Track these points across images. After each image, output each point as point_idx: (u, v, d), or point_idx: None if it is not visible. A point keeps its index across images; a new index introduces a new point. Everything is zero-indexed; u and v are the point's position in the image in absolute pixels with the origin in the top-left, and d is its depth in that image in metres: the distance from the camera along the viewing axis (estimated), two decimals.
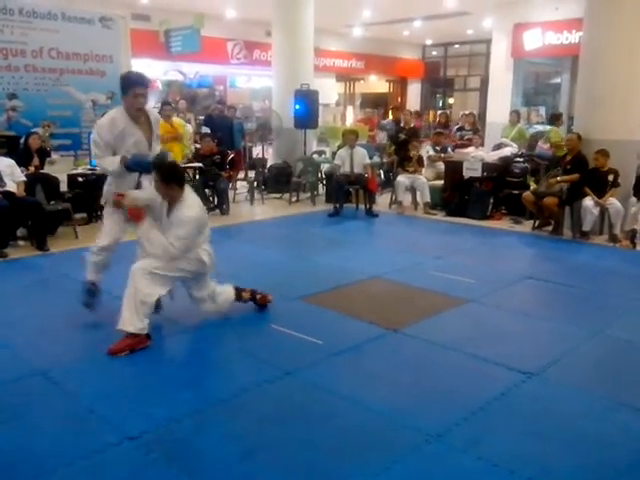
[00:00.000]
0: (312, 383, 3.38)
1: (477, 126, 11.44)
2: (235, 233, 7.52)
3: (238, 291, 4.44)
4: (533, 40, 13.63)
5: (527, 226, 7.73)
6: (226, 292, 4.36)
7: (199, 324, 4.28)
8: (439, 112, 13.42)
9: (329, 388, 3.32)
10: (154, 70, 15.33)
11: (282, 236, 7.37)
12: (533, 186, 8.12)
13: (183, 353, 3.86)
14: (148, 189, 4.13)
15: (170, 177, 3.88)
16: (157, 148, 4.34)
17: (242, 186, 10.08)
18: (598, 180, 6.99)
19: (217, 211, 8.60)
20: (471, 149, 9.34)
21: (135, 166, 4.09)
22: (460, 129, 11.27)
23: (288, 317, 4.46)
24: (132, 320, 3.75)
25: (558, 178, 7.25)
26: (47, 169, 6.98)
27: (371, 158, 9.32)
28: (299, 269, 5.86)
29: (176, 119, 9.26)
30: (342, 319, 4.44)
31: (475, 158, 8.60)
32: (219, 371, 3.55)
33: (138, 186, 4.24)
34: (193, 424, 2.94)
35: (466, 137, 10.58)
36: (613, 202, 6.89)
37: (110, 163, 4.08)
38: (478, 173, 8.36)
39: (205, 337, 4.08)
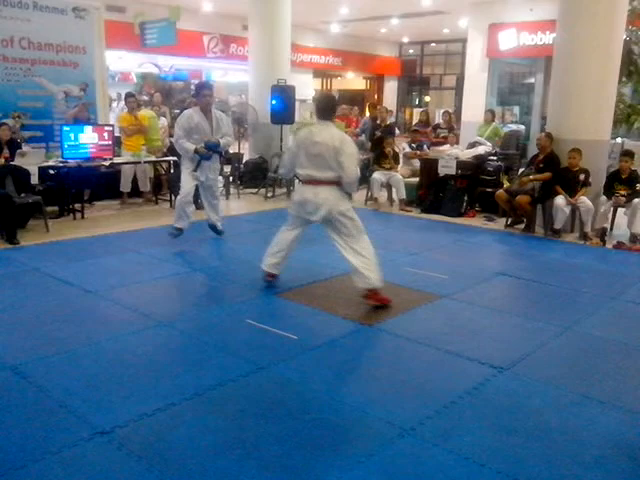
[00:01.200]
0: (287, 378, 3.39)
1: (452, 124, 11.55)
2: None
3: None
4: (508, 40, 13.78)
5: (500, 224, 7.83)
6: None
7: (173, 318, 4.25)
8: (420, 110, 13.49)
9: (303, 383, 3.33)
10: (128, 62, 15.15)
11: (257, 231, 7.34)
12: (506, 184, 8.23)
13: (157, 347, 3.82)
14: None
15: None
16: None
17: (218, 181, 10.00)
18: (569, 179, 7.11)
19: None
20: (446, 147, 9.42)
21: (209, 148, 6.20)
22: (436, 127, 11.37)
23: (263, 312, 4.46)
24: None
25: (530, 177, 7.36)
26: (17, 161, 6.83)
27: None
28: None
29: (143, 111, 9.15)
30: (317, 314, 4.45)
31: (450, 156, 8.69)
32: (193, 365, 3.52)
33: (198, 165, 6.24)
34: (166, 419, 2.92)
35: (441, 135, 10.68)
36: (584, 201, 7.02)
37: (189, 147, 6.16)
38: (453, 171, 8.44)
39: (180, 331, 4.05)
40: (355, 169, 4.52)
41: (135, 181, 8.61)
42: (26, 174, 6.72)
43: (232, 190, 9.58)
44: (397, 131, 12.02)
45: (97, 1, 9.65)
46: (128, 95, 9.11)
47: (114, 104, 11.55)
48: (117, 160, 8.09)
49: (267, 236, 6.86)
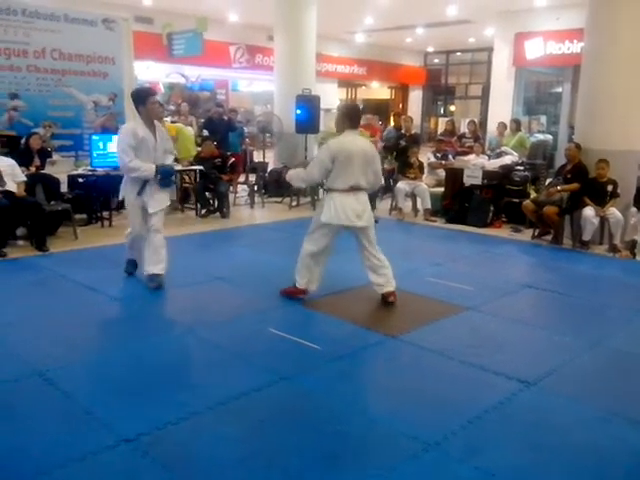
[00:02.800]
0: (309, 389, 3.38)
1: (478, 134, 11.46)
2: (235, 237, 7.53)
3: None
4: (535, 49, 13.69)
5: (527, 235, 7.73)
6: None
7: (197, 326, 4.27)
8: (446, 120, 13.41)
9: (326, 394, 3.31)
10: (156, 72, 15.39)
11: (281, 240, 7.36)
12: (533, 194, 8.13)
13: (181, 355, 3.85)
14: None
15: None
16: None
17: (243, 190, 10.09)
18: (597, 190, 7.00)
19: (217, 214, 8.60)
20: (472, 157, 9.36)
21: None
22: (461, 136, 11.30)
23: (286, 321, 4.46)
24: None
25: (558, 187, 7.26)
26: (48, 169, 6.98)
27: None
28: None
29: (170, 125, 9.26)
30: (340, 324, 4.43)
31: (476, 166, 8.62)
32: (217, 374, 3.54)
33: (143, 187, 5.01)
34: (190, 427, 2.93)
35: (467, 145, 10.60)
36: (613, 212, 6.89)
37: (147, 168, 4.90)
38: (479, 181, 8.37)
39: (204, 339, 4.07)
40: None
41: None
42: (56, 182, 6.86)
43: (256, 199, 9.63)
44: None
45: (126, 12, 9.85)
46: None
47: None
48: None
49: (290, 245, 6.88)
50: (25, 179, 6.45)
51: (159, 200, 5.09)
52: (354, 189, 4.62)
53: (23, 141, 7.27)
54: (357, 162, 4.55)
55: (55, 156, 7.58)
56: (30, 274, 5.51)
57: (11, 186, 6.23)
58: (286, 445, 2.80)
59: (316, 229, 4.86)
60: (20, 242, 6.58)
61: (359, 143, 4.64)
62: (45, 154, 7.22)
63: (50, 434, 2.83)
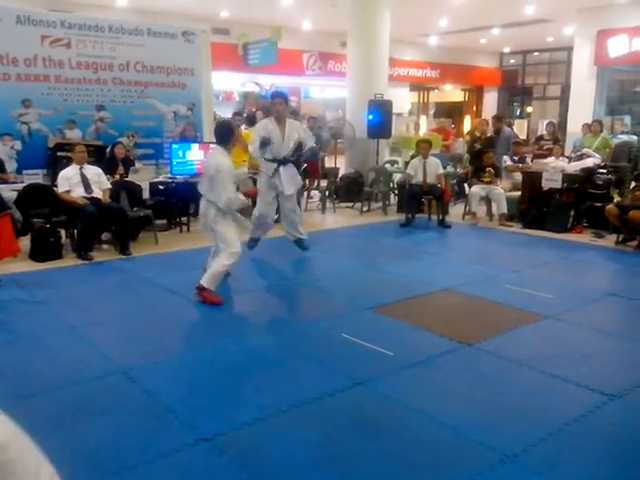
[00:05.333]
0: (384, 395, 3.36)
1: (557, 135, 11.07)
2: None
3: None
4: (618, 47, 13.06)
5: (610, 240, 7.38)
6: None
7: (272, 329, 4.35)
8: (546, 122, 12.91)
9: (401, 400, 3.29)
10: (231, 82, 15.82)
11: (353, 245, 7.38)
12: (617, 198, 7.75)
13: (257, 356, 3.93)
14: None
15: None
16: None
17: (314, 195, 10.19)
18: None
19: None
20: (551, 159, 9.04)
21: None
22: (539, 138, 10.95)
23: (359, 327, 4.46)
24: None
25: None
26: (131, 177, 7.31)
27: (445, 168, 9.19)
28: (370, 279, 5.85)
29: (246, 130, 9.48)
30: (413, 331, 4.39)
31: (555, 169, 8.32)
32: (292, 378, 3.59)
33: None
34: (265, 429, 2.98)
35: (545, 147, 10.26)
36: None
37: None
38: (558, 184, 8.08)
39: (280, 343, 4.14)
40: None
41: None
42: (138, 189, 7.18)
43: (328, 204, 9.70)
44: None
45: (204, 24, 10.19)
46: (235, 114, 9.52)
47: None
48: None
49: (362, 250, 6.93)
50: (110, 186, 6.78)
51: (293, 183, 6.28)
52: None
53: (108, 150, 7.67)
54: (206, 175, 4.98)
55: (137, 164, 7.93)
56: (115, 277, 5.79)
57: (97, 193, 6.57)
58: (361, 451, 2.80)
59: None
60: (105, 246, 6.92)
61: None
62: (129, 162, 7.57)
63: (133, 431, 2.96)
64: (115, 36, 8.40)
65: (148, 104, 8.83)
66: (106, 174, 6.90)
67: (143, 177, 7.44)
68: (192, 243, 7.19)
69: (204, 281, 4.84)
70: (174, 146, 8.01)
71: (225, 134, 5.02)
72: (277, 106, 6.28)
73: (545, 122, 12.96)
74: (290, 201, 6.44)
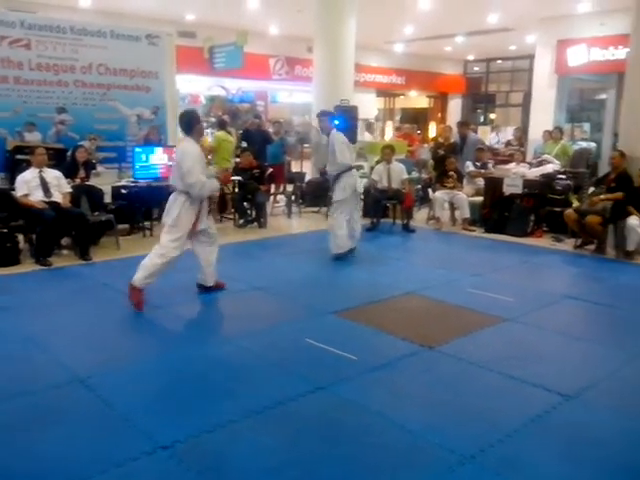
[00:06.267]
0: (346, 399, 3.37)
1: (522, 141, 11.31)
2: (272, 246, 7.59)
3: None
4: (578, 56, 13.42)
5: (569, 244, 7.56)
6: None
7: (234, 335, 4.32)
8: (514, 128, 13.18)
9: (362, 404, 3.30)
10: (197, 85, 15.70)
11: (318, 250, 7.37)
12: (576, 204, 7.94)
13: (218, 363, 3.89)
14: None
15: None
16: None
17: (281, 199, 10.17)
18: None
19: (255, 224, 8.70)
20: (512, 165, 9.22)
21: None
22: (507, 144, 11.18)
23: (322, 332, 4.46)
24: None
25: (602, 196, 7.08)
26: (92, 181, 7.19)
27: (409, 174, 9.28)
28: (334, 283, 5.87)
29: (219, 133, 9.45)
30: (376, 335, 4.41)
31: (516, 174, 8.49)
32: (254, 383, 3.56)
33: None
34: (225, 436, 2.96)
35: (508, 153, 10.47)
36: None
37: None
38: (519, 190, 8.24)
39: (241, 349, 4.11)
40: None
41: None
42: (100, 193, 7.05)
43: (294, 209, 9.70)
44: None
45: (170, 28, 10.11)
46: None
47: None
48: None
49: (327, 254, 6.93)
50: (70, 190, 6.65)
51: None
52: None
53: (69, 153, 7.52)
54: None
55: (99, 168, 7.79)
56: (74, 283, 5.67)
57: (57, 197, 6.44)
58: (321, 456, 2.80)
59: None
60: (64, 251, 6.77)
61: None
62: (90, 166, 7.44)
63: (88, 440, 2.89)
64: (77, 37, 8.27)
65: (111, 107, 8.71)
66: (67, 178, 6.78)
67: (105, 181, 7.32)
68: None
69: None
70: (137, 149, 7.91)
71: (188, 122, 4.96)
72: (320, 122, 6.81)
73: (513, 128, 13.26)
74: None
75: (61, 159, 7.47)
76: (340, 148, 6.58)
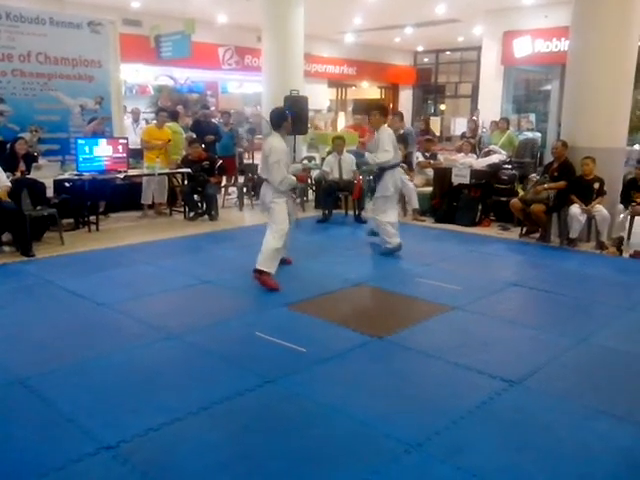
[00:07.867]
0: (294, 392, 3.36)
1: (477, 132, 11.48)
2: (223, 239, 7.50)
3: None
4: (523, 48, 13.70)
5: (515, 233, 7.75)
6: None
7: (182, 330, 4.25)
8: (468, 119, 13.34)
9: (311, 397, 3.30)
10: (145, 75, 15.33)
11: None
12: (521, 193, 8.14)
13: (165, 360, 3.83)
14: None
15: None
16: None
17: (233, 191, 10.06)
18: (584, 187, 7.01)
19: (205, 217, 8.58)
20: (460, 155, 9.36)
21: None
22: (462, 135, 11.32)
23: (272, 324, 4.44)
24: None
25: (545, 185, 7.27)
26: (34, 174, 6.91)
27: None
28: (284, 275, 5.81)
29: (170, 125, 9.20)
30: (326, 326, 4.42)
31: (464, 165, 8.63)
32: (201, 379, 3.52)
33: None
34: (172, 433, 2.91)
35: (463, 143, 10.60)
36: (600, 209, 6.91)
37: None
38: (467, 180, 8.38)
39: (189, 344, 4.05)
40: None
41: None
42: (42, 187, 6.79)
43: (246, 201, 9.61)
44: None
45: (114, 15, 9.81)
46: (160, 110, 9.29)
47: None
48: (131, 172, 8.16)
49: None
50: (9, 184, 6.40)
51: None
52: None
53: (8, 146, 7.22)
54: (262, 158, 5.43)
55: (41, 160, 7.50)
56: (15, 280, 5.47)
57: None
58: (269, 449, 2.79)
59: None
60: (6, 248, 6.53)
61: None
62: (31, 159, 7.16)
63: (30, 443, 2.80)
64: (13, 24, 7.92)
65: (52, 97, 8.40)
66: (6, 171, 6.51)
67: (47, 174, 7.04)
68: (102, 243, 6.92)
69: (260, 264, 5.20)
70: (80, 141, 7.67)
71: (277, 119, 5.41)
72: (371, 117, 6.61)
73: (467, 119, 13.45)
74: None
75: (0, 152, 7.18)
76: (385, 143, 6.27)
